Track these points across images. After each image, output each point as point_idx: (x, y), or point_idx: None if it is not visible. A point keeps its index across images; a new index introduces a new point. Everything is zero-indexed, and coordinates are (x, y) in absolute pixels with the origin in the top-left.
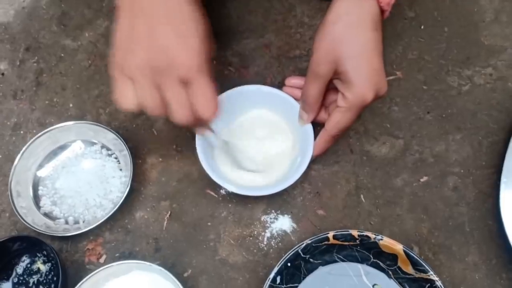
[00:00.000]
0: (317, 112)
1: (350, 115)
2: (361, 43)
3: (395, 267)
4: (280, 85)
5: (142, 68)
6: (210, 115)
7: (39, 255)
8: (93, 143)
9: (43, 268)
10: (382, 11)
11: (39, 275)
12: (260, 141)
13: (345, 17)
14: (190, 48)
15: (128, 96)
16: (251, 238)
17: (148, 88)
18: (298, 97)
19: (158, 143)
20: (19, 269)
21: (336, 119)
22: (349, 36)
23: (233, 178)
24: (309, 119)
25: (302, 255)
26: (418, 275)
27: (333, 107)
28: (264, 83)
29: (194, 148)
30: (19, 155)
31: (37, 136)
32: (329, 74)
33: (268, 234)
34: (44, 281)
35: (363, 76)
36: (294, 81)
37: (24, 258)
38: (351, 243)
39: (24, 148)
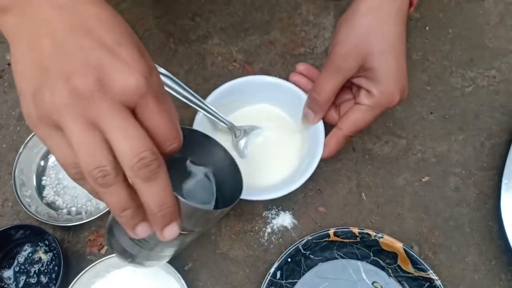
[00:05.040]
0: (325, 113)
1: (371, 115)
2: (391, 39)
3: (395, 265)
4: None
5: (66, 107)
6: (176, 144)
7: (41, 245)
8: None
9: (45, 257)
10: (410, 4)
11: (40, 264)
12: (266, 139)
13: (377, 10)
14: (127, 61)
15: (66, 155)
16: (252, 233)
17: (84, 132)
18: (305, 87)
19: None
20: (21, 258)
21: (355, 118)
22: (380, 31)
23: None
24: (316, 119)
25: (303, 251)
26: (417, 273)
27: (344, 107)
28: None
29: None
30: (23, 145)
31: None
32: (354, 69)
33: (269, 230)
34: (45, 271)
35: (392, 75)
36: (303, 67)
37: (26, 247)
38: (352, 240)
39: (28, 138)
